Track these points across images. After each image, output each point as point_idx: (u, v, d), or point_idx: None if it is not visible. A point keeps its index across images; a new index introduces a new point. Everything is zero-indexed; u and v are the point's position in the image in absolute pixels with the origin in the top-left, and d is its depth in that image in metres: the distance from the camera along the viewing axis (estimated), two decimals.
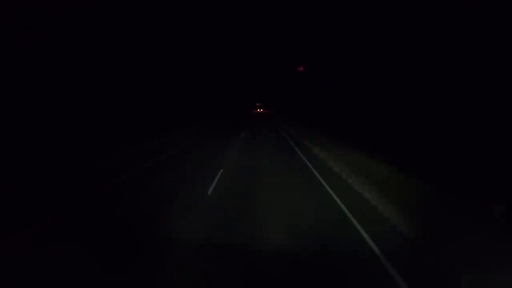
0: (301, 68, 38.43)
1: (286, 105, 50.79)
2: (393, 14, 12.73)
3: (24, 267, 3.59)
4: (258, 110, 63.26)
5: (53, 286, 3.31)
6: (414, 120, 11.19)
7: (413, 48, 11.29)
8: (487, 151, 7.09)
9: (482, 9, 7.71)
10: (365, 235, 4.32)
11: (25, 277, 3.40)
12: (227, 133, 17.49)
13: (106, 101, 11.70)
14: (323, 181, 7.38)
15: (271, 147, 13.57)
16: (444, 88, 9.54)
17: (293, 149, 12.69)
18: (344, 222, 4.83)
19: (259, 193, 6.41)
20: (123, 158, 9.94)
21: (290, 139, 15.89)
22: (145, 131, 14.73)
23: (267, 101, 70.82)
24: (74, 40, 10.11)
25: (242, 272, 3.46)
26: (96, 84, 11.05)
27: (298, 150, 12.47)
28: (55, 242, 4.25)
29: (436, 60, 9.88)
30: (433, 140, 9.27)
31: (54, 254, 3.88)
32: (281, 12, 34.02)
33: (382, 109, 14.12)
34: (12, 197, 5.63)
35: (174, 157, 10.65)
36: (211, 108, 37.24)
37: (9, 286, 3.26)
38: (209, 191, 6.33)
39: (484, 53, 7.81)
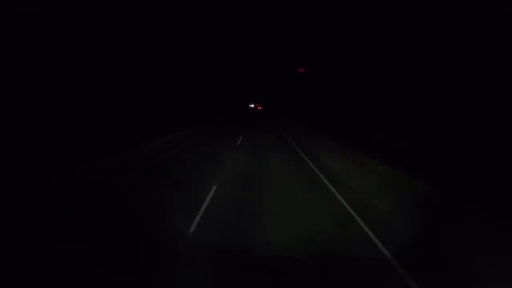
0: (302, 70, 38.47)
1: (287, 105, 50.85)
2: (393, 14, 12.70)
3: (24, 267, 3.56)
4: (259, 107, 71.07)
5: (53, 286, 3.29)
6: (415, 119, 11.15)
7: (413, 47, 11.25)
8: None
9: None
10: None
11: (24, 278, 3.37)
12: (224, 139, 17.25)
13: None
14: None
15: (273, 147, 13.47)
16: (444, 87, 9.49)
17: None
18: None
19: None
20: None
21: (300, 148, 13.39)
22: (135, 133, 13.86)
23: (267, 101, 71.72)
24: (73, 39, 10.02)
25: None
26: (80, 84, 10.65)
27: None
28: (59, 242, 4.20)
29: (437, 59, 9.82)
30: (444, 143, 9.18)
31: (54, 254, 3.84)
32: (282, 12, 34.01)
33: (386, 109, 14.06)
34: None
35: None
36: (211, 108, 37.09)
37: (8, 286, 3.23)
38: None
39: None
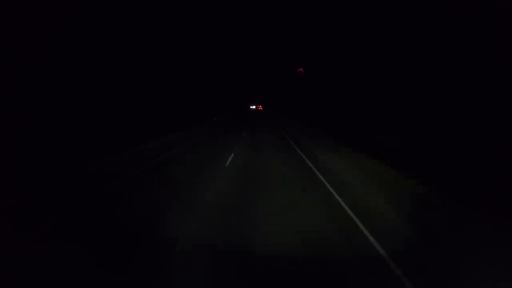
0: (301, 69, 38.50)
1: (287, 105, 50.87)
2: (392, 14, 12.70)
3: (24, 267, 3.57)
4: (260, 108, 71.11)
5: (53, 285, 3.30)
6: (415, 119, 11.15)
7: (413, 47, 11.25)
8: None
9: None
10: None
11: (25, 278, 3.38)
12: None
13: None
14: None
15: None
16: (444, 87, 9.49)
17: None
18: None
19: None
20: None
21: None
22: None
23: (268, 101, 71.69)
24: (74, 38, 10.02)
25: None
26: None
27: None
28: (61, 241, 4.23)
29: (437, 59, 9.82)
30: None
31: (56, 253, 3.87)
32: (282, 12, 34.00)
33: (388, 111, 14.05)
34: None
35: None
36: (211, 108, 37.09)
37: (8, 285, 3.24)
38: None
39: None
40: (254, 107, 70.45)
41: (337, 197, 6.34)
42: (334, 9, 20.79)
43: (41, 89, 8.69)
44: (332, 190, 6.81)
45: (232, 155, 11.13)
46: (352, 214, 5.36)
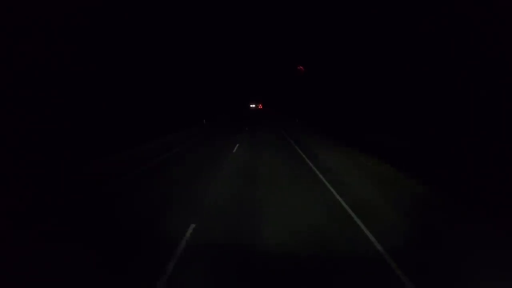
0: (301, 68, 38.50)
1: (287, 104, 50.84)
2: (393, 13, 12.69)
3: (24, 267, 3.58)
4: (260, 107, 71.96)
5: (53, 285, 3.30)
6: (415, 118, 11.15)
7: (413, 47, 11.25)
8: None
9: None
10: None
11: (25, 278, 3.38)
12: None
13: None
14: None
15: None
16: (444, 87, 9.49)
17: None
18: None
19: None
20: None
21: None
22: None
23: (268, 101, 71.96)
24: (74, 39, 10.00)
25: None
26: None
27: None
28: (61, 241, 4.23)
29: (437, 59, 9.81)
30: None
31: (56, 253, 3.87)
32: (281, 11, 34.01)
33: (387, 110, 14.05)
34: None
35: None
36: (212, 108, 37.06)
37: (8, 285, 3.25)
38: None
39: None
40: (254, 105, 71.26)
41: (338, 196, 6.34)
42: (334, 9, 20.79)
43: (41, 89, 8.67)
44: (332, 190, 6.81)
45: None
46: (352, 214, 5.36)
